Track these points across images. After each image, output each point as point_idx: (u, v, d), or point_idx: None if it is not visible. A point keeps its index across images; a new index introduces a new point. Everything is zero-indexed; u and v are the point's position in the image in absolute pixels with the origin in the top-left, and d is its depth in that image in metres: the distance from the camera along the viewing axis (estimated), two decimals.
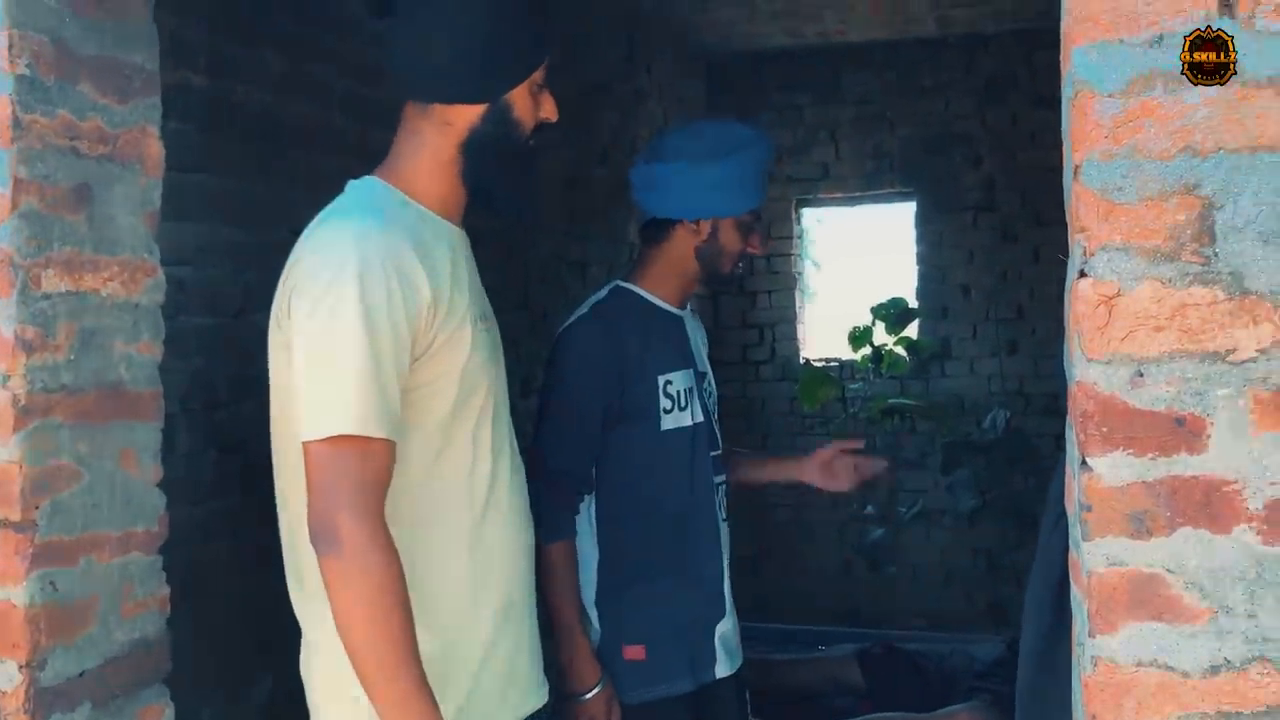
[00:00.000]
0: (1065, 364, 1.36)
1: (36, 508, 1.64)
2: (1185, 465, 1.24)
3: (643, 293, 2.43)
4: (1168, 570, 1.24)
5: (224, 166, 2.68)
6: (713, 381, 2.55)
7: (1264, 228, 1.22)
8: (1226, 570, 1.23)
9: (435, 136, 1.77)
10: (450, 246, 1.76)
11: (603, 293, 2.43)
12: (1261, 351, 1.22)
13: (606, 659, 2.32)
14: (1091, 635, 1.26)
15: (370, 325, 1.57)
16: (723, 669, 2.42)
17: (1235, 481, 1.23)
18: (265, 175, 2.84)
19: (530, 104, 1.80)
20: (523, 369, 3.89)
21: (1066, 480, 1.39)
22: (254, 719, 2.74)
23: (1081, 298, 1.26)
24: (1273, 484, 1.22)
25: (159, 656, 1.85)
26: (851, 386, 6.26)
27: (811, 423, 6.31)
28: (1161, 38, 1.24)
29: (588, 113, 4.72)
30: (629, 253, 5.04)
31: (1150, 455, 1.24)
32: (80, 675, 1.70)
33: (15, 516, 1.62)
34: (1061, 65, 1.33)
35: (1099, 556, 1.26)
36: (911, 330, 6.13)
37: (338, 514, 1.54)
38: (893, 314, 6.00)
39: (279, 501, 1.77)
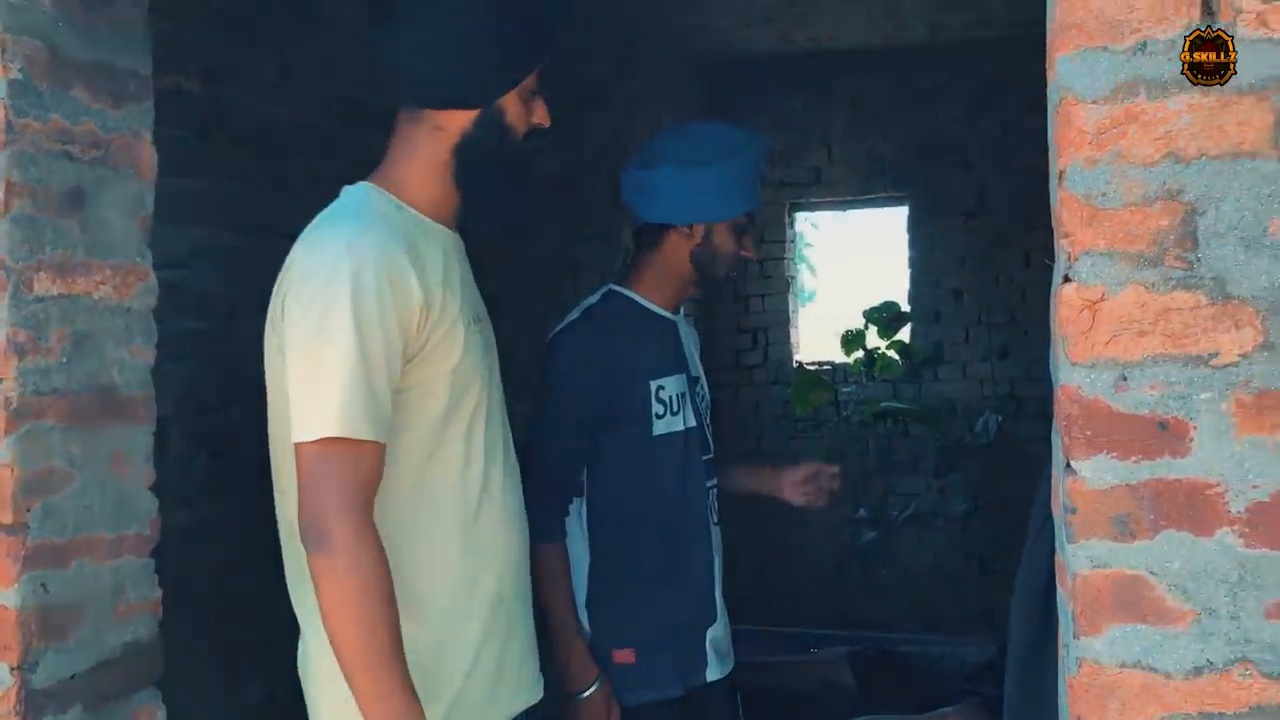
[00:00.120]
0: (1051, 368, 1.37)
1: (28, 510, 1.64)
2: (1168, 468, 1.25)
3: (636, 297, 2.42)
4: (1151, 572, 1.25)
5: (217, 171, 2.68)
6: (706, 386, 2.55)
7: (1246, 233, 1.23)
8: (1209, 572, 1.24)
9: (428, 142, 1.78)
10: (443, 250, 1.77)
11: (595, 297, 2.43)
12: (1244, 356, 1.23)
13: (596, 662, 2.32)
14: (1076, 637, 1.27)
15: (361, 329, 1.59)
16: (714, 672, 2.42)
17: (1218, 484, 1.24)
18: (258, 180, 2.84)
19: (522, 110, 1.82)
20: (518, 372, 3.89)
21: (1052, 483, 1.40)
22: None
23: (1066, 302, 1.27)
24: (1255, 487, 1.23)
25: (151, 659, 1.86)
26: (844, 390, 6.26)
27: (804, 426, 6.32)
28: (1145, 45, 1.25)
29: (581, 117, 4.73)
30: (623, 256, 5.04)
31: (1134, 458, 1.25)
32: (72, 678, 1.70)
33: (7, 519, 1.62)
34: (1047, 73, 1.34)
35: (1083, 559, 1.27)
36: (904, 334, 6.14)
37: (327, 514, 1.56)
38: (885, 318, 6.01)
39: (277, 501, 1.78)
